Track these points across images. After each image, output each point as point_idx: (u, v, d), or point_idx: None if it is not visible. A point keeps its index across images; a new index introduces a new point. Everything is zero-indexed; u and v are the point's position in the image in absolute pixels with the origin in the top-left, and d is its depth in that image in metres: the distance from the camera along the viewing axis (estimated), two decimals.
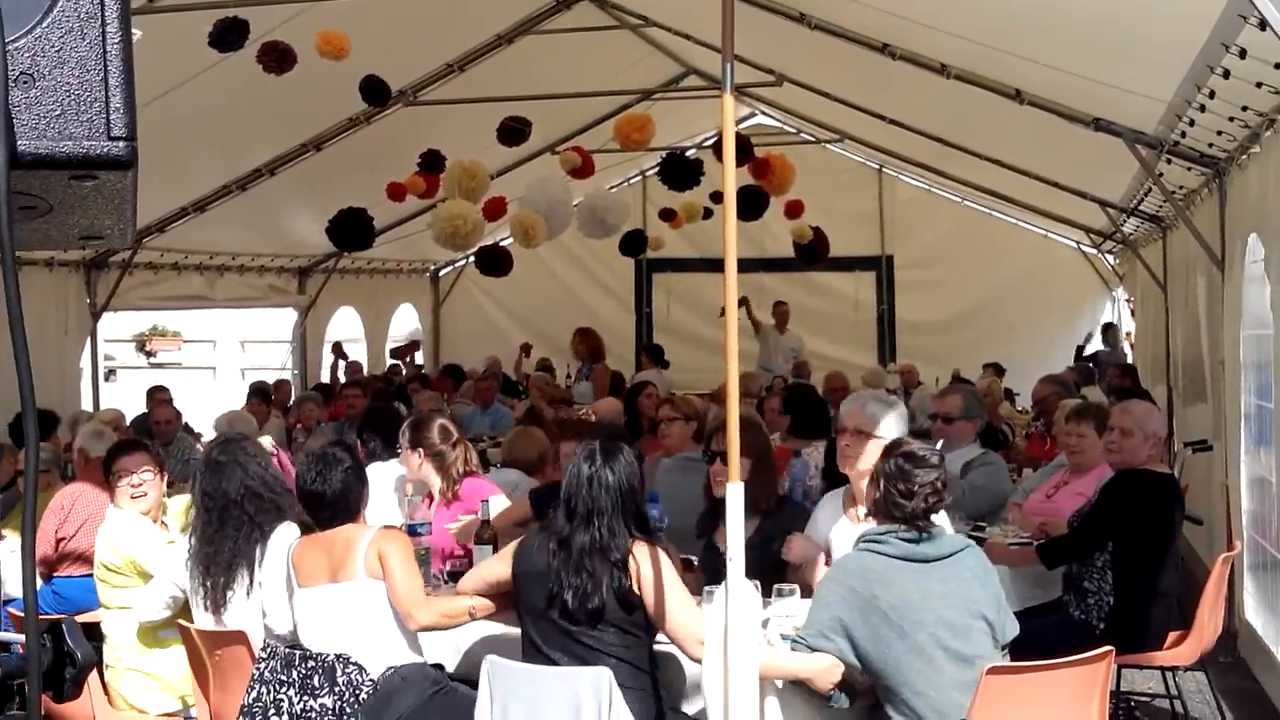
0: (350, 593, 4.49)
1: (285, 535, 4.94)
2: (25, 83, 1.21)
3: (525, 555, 4.31)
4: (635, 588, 4.10)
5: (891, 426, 4.87)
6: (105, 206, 1.34)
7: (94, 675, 4.88)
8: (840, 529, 4.94)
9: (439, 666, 4.62)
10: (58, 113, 1.23)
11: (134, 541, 5.47)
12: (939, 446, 6.44)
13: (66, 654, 1.23)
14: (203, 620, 4.97)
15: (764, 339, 14.78)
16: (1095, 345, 15.17)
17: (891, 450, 4.25)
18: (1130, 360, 13.74)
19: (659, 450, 6.97)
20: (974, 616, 4.02)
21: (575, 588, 4.10)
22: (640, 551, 4.13)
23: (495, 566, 4.49)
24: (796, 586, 4.57)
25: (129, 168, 1.25)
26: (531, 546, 4.30)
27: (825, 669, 3.99)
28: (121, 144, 1.24)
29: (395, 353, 16.45)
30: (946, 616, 3.97)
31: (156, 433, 9.15)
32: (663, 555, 4.18)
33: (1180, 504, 5.82)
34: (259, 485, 4.99)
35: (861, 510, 4.86)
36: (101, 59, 1.24)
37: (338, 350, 15.13)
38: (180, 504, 5.99)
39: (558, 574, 4.14)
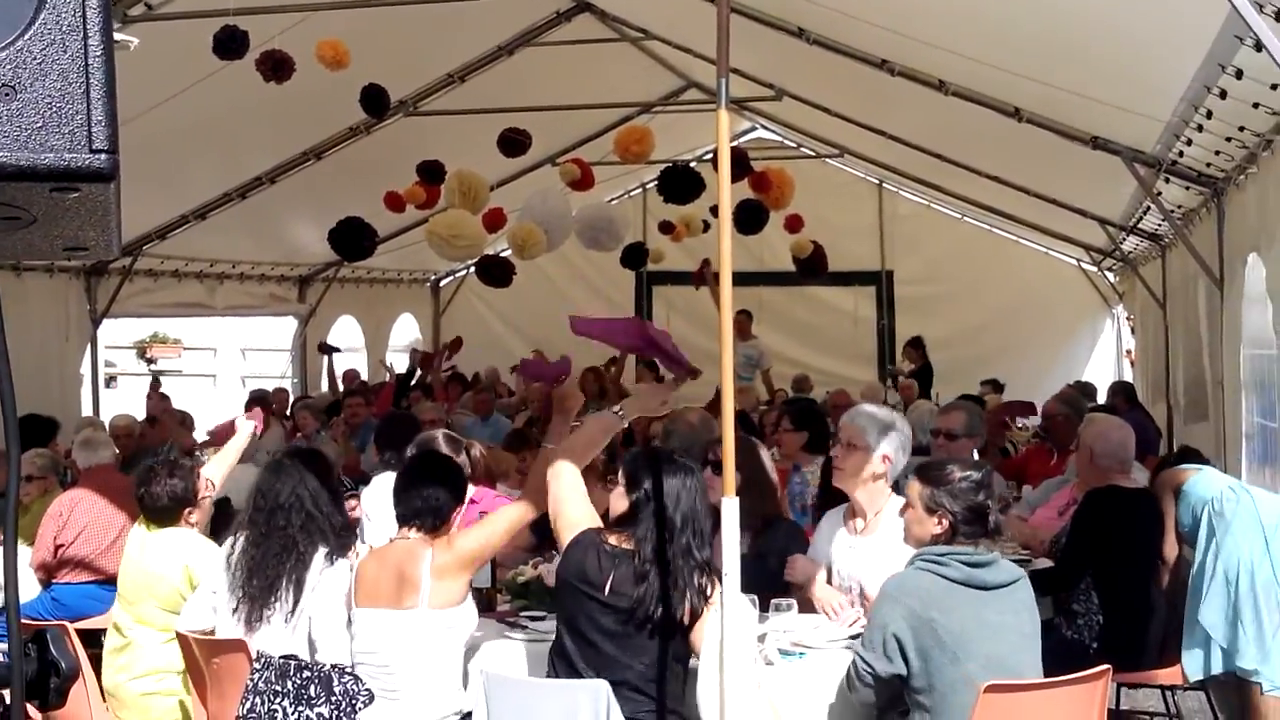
0: (410, 621, 4.25)
1: (340, 573, 4.59)
2: (6, 95, 1.21)
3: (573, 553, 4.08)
4: (697, 632, 3.92)
5: (882, 440, 4.78)
6: (88, 219, 1.33)
7: (93, 685, 4.78)
8: (840, 544, 4.91)
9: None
10: (39, 125, 1.22)
11: (188, 551, 5.22)
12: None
13: (51, 664, 1.24)
14: (230, 630, 4.66)
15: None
16: None
17: (945, 470, 4.16)
18: (1130, 378, 13.72)
19: None
20: (1021, 652, 3.99)
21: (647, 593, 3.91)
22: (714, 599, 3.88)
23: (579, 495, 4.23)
24: (794, 602, 4.56)
25: (110, 180, 1.25)
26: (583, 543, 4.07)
27: None
28: (103, 156, 1.23)
29: (423, 358, 14.93)
30: (997, 650, 3.92)
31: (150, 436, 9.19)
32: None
33: (1158, 519, 5.70)
34: (309, 500, 4.67)
35: (859, 524, 4.84)
36: (84, 72, 1.23)
37: (324, 348, 14.25)
38: None
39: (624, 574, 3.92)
